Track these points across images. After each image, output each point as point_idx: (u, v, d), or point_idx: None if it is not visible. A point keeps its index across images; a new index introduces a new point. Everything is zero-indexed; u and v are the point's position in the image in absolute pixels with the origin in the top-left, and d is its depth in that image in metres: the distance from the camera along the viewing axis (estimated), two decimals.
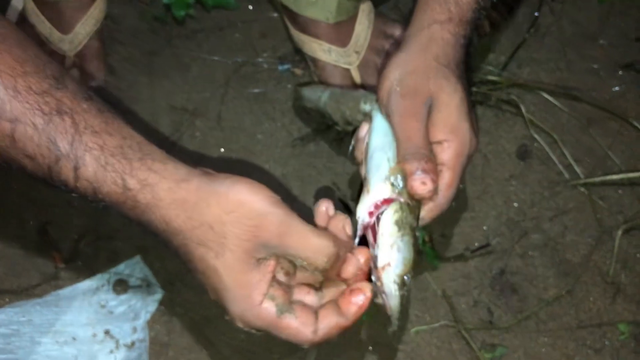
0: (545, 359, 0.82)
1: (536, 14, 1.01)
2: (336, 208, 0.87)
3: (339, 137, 0.90)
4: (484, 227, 0.88)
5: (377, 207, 0.61)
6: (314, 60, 0.91)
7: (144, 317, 0.81)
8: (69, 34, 0.91)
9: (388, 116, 0.64)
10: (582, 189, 0.90)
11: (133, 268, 0.84)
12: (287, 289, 0.54)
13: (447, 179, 0.63)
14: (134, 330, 0.81)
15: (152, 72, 0.96)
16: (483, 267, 0.86)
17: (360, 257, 0.56)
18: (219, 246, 0.51)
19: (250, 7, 1.01)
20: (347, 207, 0.88)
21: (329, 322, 0.54)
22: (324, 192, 0.89)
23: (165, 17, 0.99)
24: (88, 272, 0.84)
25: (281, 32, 0.98)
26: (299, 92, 0.89)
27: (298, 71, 0.97)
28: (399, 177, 0.61)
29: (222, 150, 0.91)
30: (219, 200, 0.51)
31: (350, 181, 0.90)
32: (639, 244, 0.87)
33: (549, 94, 0.95)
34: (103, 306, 0.82)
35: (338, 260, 0.54)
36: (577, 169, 0.91)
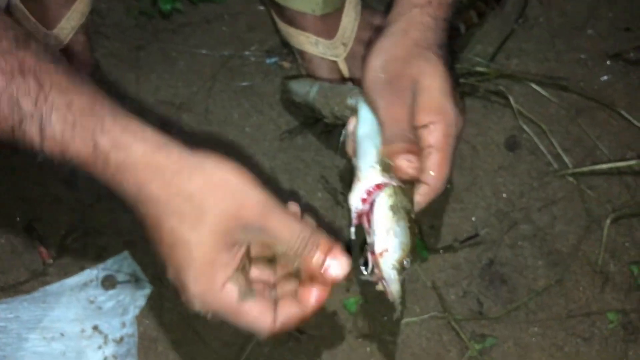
0: (535, 348, 0.82)
1: (524, 4, 1.01)
2: (326, 201, 0.88)
3: (327, 130, 0.90)
4: (473, 218, 0.88)
5: (369, 193, 0.61)
6: (301, 53, 0.91)
7: (133, 312, 0.81)
8: (54, 29, 0.90)
9: (372, 103, 0.64)
10: (571, 179, 0.90)
11: (121, 263, 0.83)
12: (249, 277, 0.53)
13: (438, 159, 0.63)
14: (123, 325, 0.80)
15: (139, 67, 0.96)
16: (472, 258, 0.86)
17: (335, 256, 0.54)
18: (196, 219, 0.49)
19: (237, 0, 1.00)
20: (336, 202, 0.88)
21: (288, 312, 0.53)
22: (312, 185, 0.89)
23: (152, 11, 0.99)
24: (76, 267, 0.83)
25: (268, 25, 0.97)
26: (287, 85, 0.88)
27: (286, 64, 0.96)
28: (387, 160, 0.61)
29: (210, 144, 0.91)
30: (204, 173, 0.49)
31: (339, 174, 0.90)
32: (627, 233, 0.88)
33: (537, 84, 0.95)
34: (91, 302, 0.81)
35: (311, 248, 0.53)
36: (566, 159, 0.91)
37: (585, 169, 0.91)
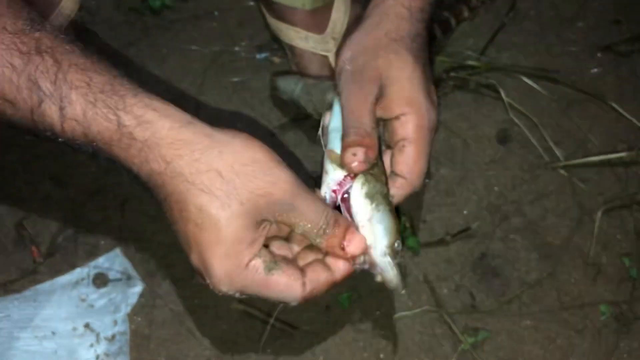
0: (528, 341, 0.82)
1: None
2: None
3: (317, 125, 0.89)
4: (465, 212, 0.88)
5: (340, 184, 0.61)
6: (292, 48, 0.91)
7: (125, 309, 0.81)
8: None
9: (340, 96, 0.64)
10: (562, 172, 0.91)
11: (113, 261, 0.83)
12: (272, 252, 0.52)
13: (412, 153, 0.61)
14: (115, 323, 0.80)
15: (129, 64, 0.95)
16: (464, 252, 0.86)
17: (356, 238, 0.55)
18: (227, 196, 0.48)
19: None
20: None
21: (317, 276, 0.52)
22: (304, 181, 0.89)
23: (141, 8, 0.98)
24: (67, 266, 0.83)
25: (258, 20, 0.97)
26: (275, 82, 0.88)
27: (276, 59, 0.96)
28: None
29: None
30: (234, 150, 0.48)
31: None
32: (619, 225, 0.88)
33: (528, 77, 0.95)
34: (83, 300, 0.81)
35: (334, 227, 0.53)
36: (557, 152, 0.91)
37: (576, 161, 0.91)
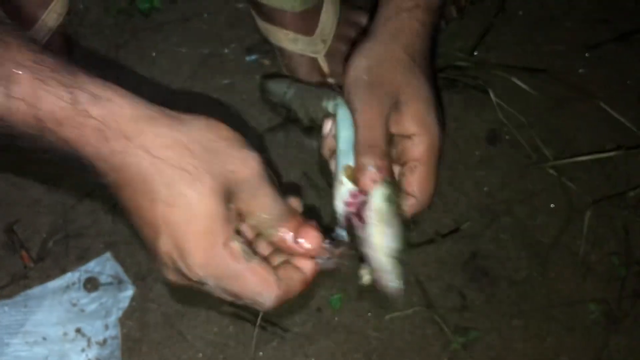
0: (518, 340, 0.83)
1: None
2: (308, 198, 0.88)
3: (308, 129, 0.90)
4: (455, 212, 0.88)
5: (354, 196, 0.62)
6: (281, 50, 0.91)
7: (116, 313, 0.81)
8: (31, 30, 0.89)
9: (350, 104, 0.64)
10: (551, 171, 0.91)
11: (103, 265, 0.83)
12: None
13: (424, 173, 0.63)
14: (106, 327, 0.80)
15: (118, 66, 0.95)
16: (455, 252, 0.86)
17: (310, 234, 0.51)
18: (198, 170, 0.44)
19: None
20: (320, 198, 0.88)
21: (289, 275, 0.49)
22: (296, 182, 0.89)
23: (130, 10, 0.98)
24: (57, 270, 0.83)
25: (248, 22, 0.97)
26: (264, 85, 0.88)
27: (266, 61, 0.96)
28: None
29: None
30: (200, 127, 0.46)
31: (320, 171, 0.90)
32: (608, 223, 0.88)
33: (517, 77, 0.96)
34: (74, 304, 0.81)
35: (287, 219, 0.49)
36: (546, 151, 0.92)
37: (565, 160, 0.91)
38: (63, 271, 0.82)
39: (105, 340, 0.79)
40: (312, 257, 0.51)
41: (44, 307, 0.80)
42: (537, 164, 0.91)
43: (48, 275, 0.82)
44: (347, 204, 0.61)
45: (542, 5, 1.03)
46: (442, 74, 0.95)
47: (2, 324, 0.79)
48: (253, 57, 0.96)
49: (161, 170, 0.44)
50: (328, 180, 0.88)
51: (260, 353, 0.80)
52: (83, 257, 0.84)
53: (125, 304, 0.81)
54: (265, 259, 0.50)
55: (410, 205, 0.63)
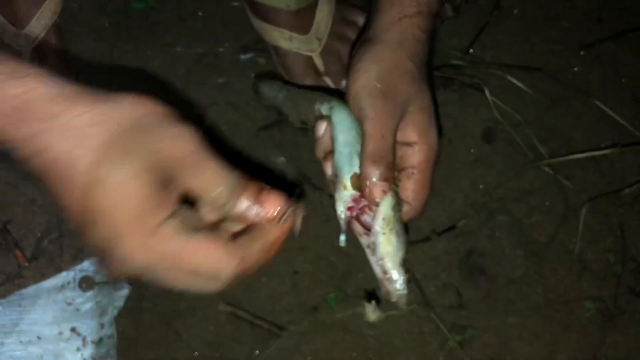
0: (515, 338, 0.83)
1: None
2: (308, 195, 0.87)
3: (301, 129, 0.90)
4: (451, 210, 0.88)
5: (355, 201, 0.62)
6: (276, 49, 0.91)
7: (111, 313, 0.80)
8: (25, 28, 0.89)
9: (360, 110, 0.63)
10: (547, 169, 0.91)
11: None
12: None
13: (420, 181, 0.64)
14: (102, 326, 0.80)
15: (113, 66, 0.95)
16: (451, 250, 0.86)
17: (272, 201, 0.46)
18: (124, 152, 0.41)
19: None
20: (315, 196, 0.88)
21: (248, 240, 0.45)
22: (292, 182, 0.89)
23: (125, 9, 0.98)
24: (52, 270, 0.82)
25: (243, 21, 0.97)
26: (257, 86, 0.88)
27: (261, 60, 0.96)
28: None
29: None
30: (125, 105, 0.42)
31: (316, 170, 0.89)
32: (603, 221, 0.88)
33: (512, 75, 0.96)
34: (69, 304, 0.81)
35: (247, 191, 0.45)
36: (542, 149, 0.92)
37: (560, 159, 0.91)
38: (58, 270, 0.82)
39: (100, 340, 0.79)
40: (276, 221, 0.46)
41: (39, 306, 0.80)
42: (532, 162, 0.91)
43: (43, 274, 0.82)
44: (349, 209, 0.62)
45: (538, 4, 1.03)
46: (438, 72, 0.95)
47: None
48: (248, 55, 0.96)
49: (83, 153, 0.41)
50: (322, 179, 0.88)
51: (257, 352, 0.80)
52: (78, 256, 0.83)
53: (120, 303, 0.81)
54: (219, 226, 0.46)
55: (404, 211, 0.63)
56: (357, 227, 0.64)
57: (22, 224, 0.84)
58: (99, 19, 0.98)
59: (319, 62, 0.90)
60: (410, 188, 0.63)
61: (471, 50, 0.98)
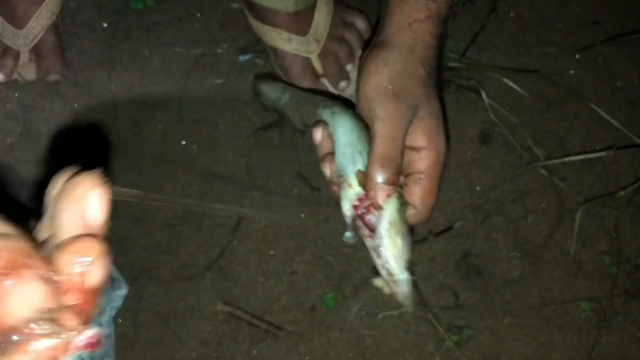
0: (511, 338, 0.83)
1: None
2: (302, 197, 0.88)
3: (301, 130, 0.90)
4: (448, 211, 0.89)
5: (361, 200, 0.62)
6: (274, 50, 0.91)
7: (109, 313, 0.80)
8: (23, 28, 0.89)
9: (370, 111, 0.63)
10: (543, 171, 0.92)
11: None
12: None
13: (427, 187, 0.64)
14: (100, 326, 0.80)
15: (111, 66, 0.95)
16: (447, 251, 0.87)
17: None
18: None
19: None
20: (313, 198, 0.88)
21: None
22: (288, 182, 0.89)
23: (124, 10, 0.98)
24: None
25: (241, 22, 0.97)
26: (257, 87, 0.88)
27: (259, 61, 0.96)
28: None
29: (184, 142, 0.91)
30: None
31: (315, 170, 0.90)
32: (598, 222, 0.89)
33: (508, 78, 0.97)
34: None
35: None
36: (537, 151, 0.92)
37: (556, 160, 0.92)
38: None
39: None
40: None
41: None
42: (528, 164, 0.92)
43: None
44: (354, 207, 0.62)
45: (534, 7, 1.04)
46: None
47: None
48: (247, 56, 0.96)
49: None
50: (320, 180, 0.89)
51: (254, 351, 0.80)
52: None
53: (119, 303, 0.81)
54: None
55: (410, 215, 0.63)
56: (363, 229, 0.64)
57: (21, 224, 0.84)
58: (97, 19, 0.98)
59: (317, 64, 0.90)
60: (418, 193, 0.64)
61: (468, 53, 0.98)
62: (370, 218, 0.62)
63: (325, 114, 0.68)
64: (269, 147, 0.91)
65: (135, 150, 0.89)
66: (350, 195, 0.63)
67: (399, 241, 0.61)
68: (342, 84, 0.90)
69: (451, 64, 0.96)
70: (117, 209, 0.86)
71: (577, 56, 1.00)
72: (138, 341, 0.80)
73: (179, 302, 0.82)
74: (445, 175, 0.90)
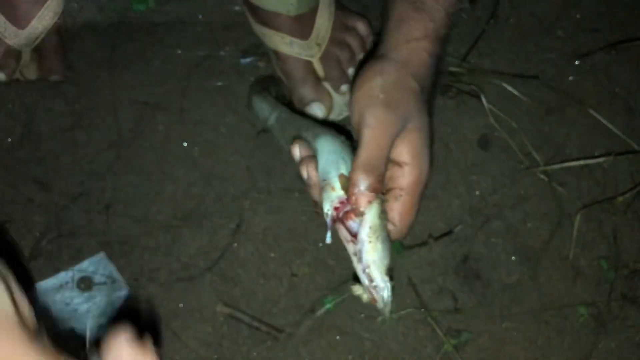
0: (509, 342, 0.84)
1: (495, 5, 1.03)
2: (302, 200, 0.88)
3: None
4: (447, 215, 0.89)
5: (342, 203, 0.63)
6: (276, 53, 0.91)
7: (110, 313, 0.80)
8: (25, 28, 0.89)
9: (361, 117, 0.64)
10: (542, 176, 0.92)
11: (97, 265, 0.83)
12: None
13: (407, 204, 0.64)
14: (100, 327, 0.80)
15: (113, 67, 0.95)
16: (447, 255, 0.87)
17: None
18: None
19: (212, 0, 1.00)
20: (313, 201, 0.88)
21: None
22: (289, 184, 0.89)
23: (126, 11, 0.98)
24: (51, 270, 0.82)
25: (243, 25, 0.97)
26: (250, 100, 0.89)
27: (261, 64, 0.96)
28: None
29: (185, 144, 0.91)
30: None
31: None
32: (597, 228, 0.90)
33: (508, 83, 0.97)
34: (67, 304, 0.81)
35: None
36: (537, 157, 0.93)
37: (555, 166, 0.93)
38: (56, 270, 0.82)
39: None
40: None
41: (37, 307, 0.80)
42: (528, 169, 0.93)
43: (41, 274, 0.82)
44: (335, 208, 0.63)
45: (533, 14, 1.04)
46: None
47: None
48: (248, 59, 0.96)
49: None
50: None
51: (254, 353, 0.80)
52: (76, 257, 0.83)
53: (119, 303, 0.81)
54: None
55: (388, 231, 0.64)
56: (344, 234, 0.65)
57: (21, 223, 0.84)
58: (100, 19, 0.98)
59: (318, 67, 0.91)
60: (397, 210, 0.64)
61: (468, 58, 0.99)
62: (351, 224, 0.62)
63: (308, 137, 0.70)
64: (270, 149, 0.91)
65: (136, 152, 0.89)
66: (332, 197, 0.63)
67: (379, 246, 0.61)
68: (344, 87, 0.91)
69: (452, 69, 0.97)
70: (117, 210, 0.86)
71: (576, 62, 1.01)
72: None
73: (179, 303, 0.82)
74: (445, 179, 0.91)
